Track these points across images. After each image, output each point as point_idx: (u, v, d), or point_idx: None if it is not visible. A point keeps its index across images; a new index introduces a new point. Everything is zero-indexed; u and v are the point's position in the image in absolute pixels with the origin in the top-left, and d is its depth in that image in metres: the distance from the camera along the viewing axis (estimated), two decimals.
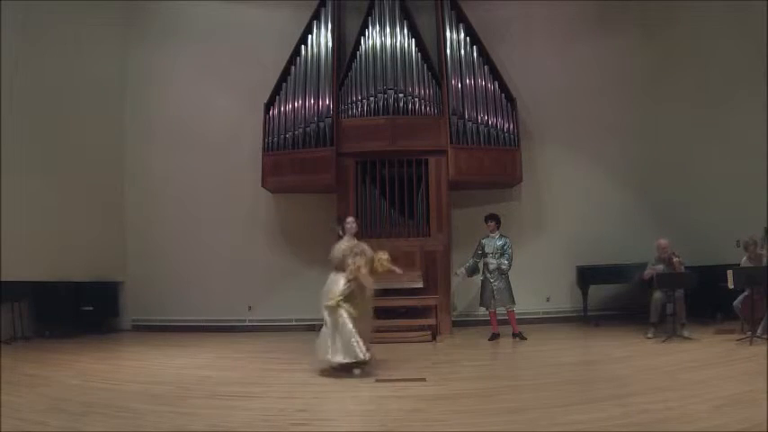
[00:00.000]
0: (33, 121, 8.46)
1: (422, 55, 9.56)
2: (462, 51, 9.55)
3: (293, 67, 9.69)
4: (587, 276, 9.18)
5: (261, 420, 3.73)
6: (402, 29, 9.60)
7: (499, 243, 7.88)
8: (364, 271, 5.53)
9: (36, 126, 8.51)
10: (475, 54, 9.62)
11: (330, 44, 9.52)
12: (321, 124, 9.10)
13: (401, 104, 9.12)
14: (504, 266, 7.78)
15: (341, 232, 6.03)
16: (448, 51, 9.46)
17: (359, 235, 6.16)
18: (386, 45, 9.43)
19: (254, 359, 6.52)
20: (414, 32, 9.69)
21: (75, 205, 9.11)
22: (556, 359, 6.21)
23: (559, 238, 9.75)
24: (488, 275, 7.85)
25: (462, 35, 9.67)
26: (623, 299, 9.49)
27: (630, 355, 6.10)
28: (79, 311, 8.94)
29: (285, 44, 9.74)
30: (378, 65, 9.32)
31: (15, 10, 8.13)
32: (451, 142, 9.01)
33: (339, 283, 5.56)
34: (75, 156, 9.20)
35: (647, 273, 7.56)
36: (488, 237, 7.98)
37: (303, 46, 9.73)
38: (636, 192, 9.92)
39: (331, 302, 5.44)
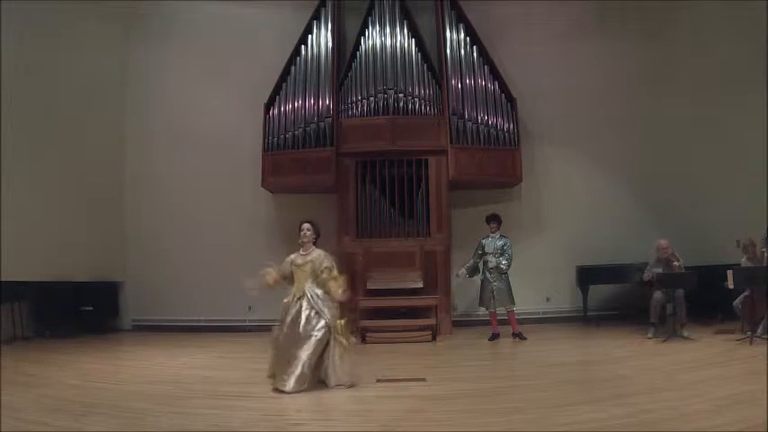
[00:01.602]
0: (33, 121, 8.46)
1: (422, 55, 9.56)
2: (462, 51, 9.56)
3: (293, 67, 9.70)
4: (587, 276, 9.18)
5: (261, 420, 3.73)
6: (402, 29, 9.61)
7: (499, 243, 7.87)
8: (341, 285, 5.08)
9: (36, 126, 8.50)
10: (475, 54, 9.63)
11: (330, 44, 9.52)
12: (321, 124, 9.10)
13: (401, 104, 9.12)
14: (503, 266, 7.77)
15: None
16: (448, 51, 9.46)
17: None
18: (386, 45, 9.44)
19: (254, 359, 6.51)
20: (414, 32, 9.69)
21: (75, 205, 9.11)
22: (556, 359, 6.20)
23: (559, 238, 9.75)
24: (488, 275, 7.84)
25: (462, 35, 9.67)
26: (623, 299, 9.49)
27: (630, 355, 6.09)
28: (79, 311, 8.95)
29: (285, 44, 9.74)
30: (378, 65, 9.32)
31: (15, 10, 8.13)
32: (451, 142, 9.02)
33: (326, 299, 5.07)
34: (75, 156, 9.20)
35: (646, 275, 7.56)
36: (489, 237, 7.96)
37: (303, 46, 9.74)
38: (636, 192, 9.91)
39: (339, 325, 4.97)
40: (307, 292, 5.07)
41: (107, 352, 7.37)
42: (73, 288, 8.86)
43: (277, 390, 4.69)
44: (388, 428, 3.51)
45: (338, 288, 5.05)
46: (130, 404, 4.18)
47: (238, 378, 5.33)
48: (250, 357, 6.84)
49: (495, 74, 9.63)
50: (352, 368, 4.96)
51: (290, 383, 4.67)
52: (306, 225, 5.33)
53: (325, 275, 5.08)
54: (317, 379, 4.88)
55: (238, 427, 3.58)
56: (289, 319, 5.00)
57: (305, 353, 4.81)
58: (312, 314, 4.98)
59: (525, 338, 7.64)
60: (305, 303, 5.02)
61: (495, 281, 7.79)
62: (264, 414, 3.91)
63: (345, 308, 5.36)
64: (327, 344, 4.92)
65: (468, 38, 9.68)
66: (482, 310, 8.32)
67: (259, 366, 5.84)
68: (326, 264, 5.13)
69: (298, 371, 4.73)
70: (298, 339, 4.87)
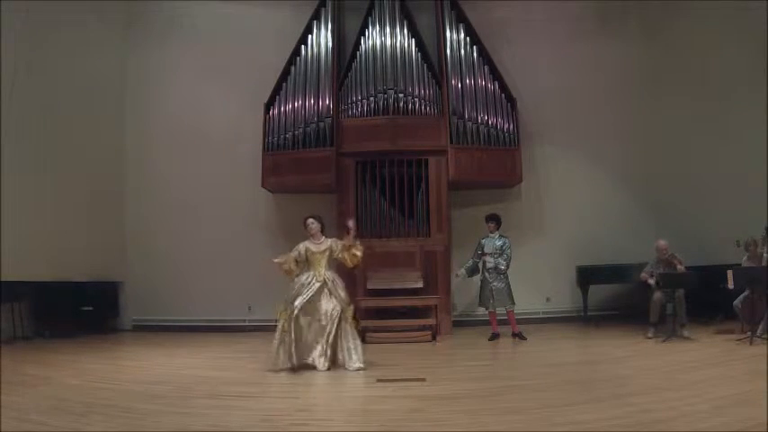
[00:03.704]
0: (33, 121, 8.46)
1: (422, 55, 9.56)
2: (462, 51, 9.56)
3: (293, 67, 9.70)
4: (587, 276, 9.18)
5: (261, 420, 3.72)
6: (402, 29, 9.60)
7: (498, 243, 7.87)
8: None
9: (36, 126, 8.50)
10: (475, 54, 9.63)
11: (330, 44, 9.52)
12: (321, 124, 9.10)
13: (401, 104, 9.12)
14: (501, 266, 7.77)
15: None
16: (448, 51, 9.46)
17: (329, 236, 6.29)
18: (386, 45, 9.43)
19: (254, 359, 6.51)
20: (414, 32, 9.69)
21: (75, 205, 9.10)
22: (556, 359, 6.21)
23: (559, 238, 9.75)
24: (487, 275, 7.85)
25: (462, 35, 9.67)
26: (623, 299, 9.49)
27: (630, 355, 6.09)
28: (79, 311, 8.94)
29: (285, 44, 9.74)
30: (378, 65, 9.32)
31: (16, 10, 8.13)
32: (451, 142, 9.02)
33: (339, 284, 5.86)
34: (75, 156, 9.20)
35: (643, 276, 7.57)
36: (488, 237, 7.97)
37: (303, 46, 9.74)
38: (636, 192, 9.92)
39: (349, 309, 5.78)
40: (326, 276, 5.80)
41: (107, 352, 7.36)
42: (73, 288, 8.86)
43: (280, 370, 5.40)
44: (388, 428, 3.51)
45: (357, 252, 5.91)
46: (130, 404, 4.18)
47: (238, 378, 5.33)
48: (250, 357, 6.83)
49: (495, 74, 9.63)
50: (362, 352, 5.67)
51: (323, 363, 5.49)
52: (310, 219, 6.01)
53: (345, 252, 5.87)
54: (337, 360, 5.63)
55: (238, 428, 3.57)
56: (307, 298, 5.66)
57: (331, 335, 5.61)
58: (331, 298, 5.72)
59: (525, 338, 7.64)
60: (324, 288, 5.75)
61: (493, 281, 7.79)
62: (264, 414, 3.90)
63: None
64: (341, 325, 5.67)
65: (468, 38, 9.68)
66: (482, 310, 8.32)
67: (259, 366, 5.87)
68: (341, 243, 5.94)
69: (328, 351, 5.55)
70: (321, 322, 5.63)
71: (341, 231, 9.03)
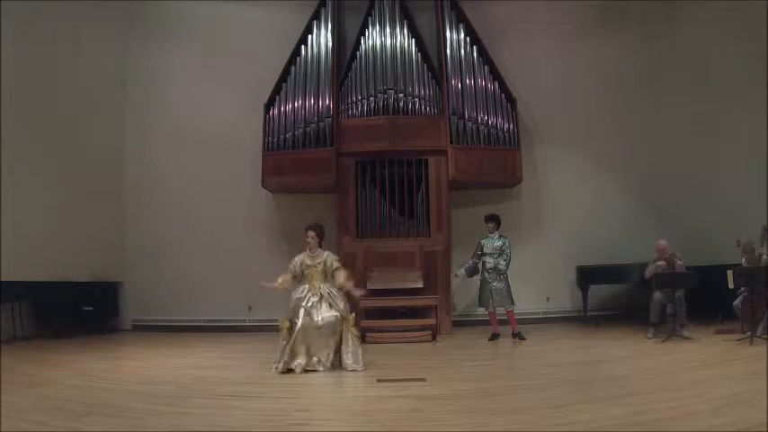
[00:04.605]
0: (33, 121, 8.46)
1: (422, 55, 9.57)
2: (462, 51, 9.56)
3: (293, 67, 9.70)
4: (587, 276, 9.18)
5: (261, 420, 3.72)
6: (402, 29, 9.61)
7: (498, 243, 7.87)
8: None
9: (36, 126, 8.50)
10: (475, 54, 9.63)
11: (330, 44, 9.52)
12: (321, 124, 9.10)
13: (401, 104, 9.12)
14: (501, 266, 7.77)
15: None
16: (448, 51, 9.46)
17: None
18: (386, 45, 9.44)
19: (254, 359, 6.53)
20: (414, 32, 9.70)
21: (75, 205, 9.10)
22: (556, 359, 6.21)
23: (559, 238, 9.75)
24: (486, 275, 7.84)
25: (462, 35, 9.68)
26: (623, 299, 9.49)
27: (630, 355, 6.09)
28: (79, 311, 8.94)
29: (285, 44, 9.75)
30: (378, 65, 9.33)
31: (16, 9, 8.12)
32: (451, 142, 9.02)
33: (338, 295, 5.86)
34: (75, 156, 9.19)
35: (649, 271, 7.54)
36: (488, 237, 7.97)
37: (303, 46, 9.74)
38: (636, 191, 9.92)
39: (350, 318, 5.81)
40: (322, 289, 5.81)
41: (107, 352, 7.36)
42: (73, 288, 8.86)
43: (287, 372, 5.42)
44: (388, 428, 3.51)
45: (347, 277, 5.89)
46: (130, 404, 4.18)
47: (239, 378, 5.33)
48: (250, 357, 6.84)
49: (495, 74, 9.63)
50: (362, 354, 5.70)
51: (326, 366, 5.53)
52: (310, 233, 5.97)
53: (335, 269, 5.89)
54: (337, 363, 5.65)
55: (238, 428, 3.57)
56: (304, 312, 5.68)
57: (330, 340, 5.62)
58: (328, 308, 5.73)
59: (525, 338, 7.64)
60: (321, 299, 5.76)
61: (493, 281, 7.78)
62: (265, 414, 3.90)
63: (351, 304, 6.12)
64: (341, 333, 5.68)
65: (468, 38, 9.69)
66: (482, 310, 8.32)
67: (259, 366, 5.88)
68: (335, 262, 5.94)
69: (328, 355, 5.58)
70: (319, 330, 5.62)
71: (341, 232, 9.08)
